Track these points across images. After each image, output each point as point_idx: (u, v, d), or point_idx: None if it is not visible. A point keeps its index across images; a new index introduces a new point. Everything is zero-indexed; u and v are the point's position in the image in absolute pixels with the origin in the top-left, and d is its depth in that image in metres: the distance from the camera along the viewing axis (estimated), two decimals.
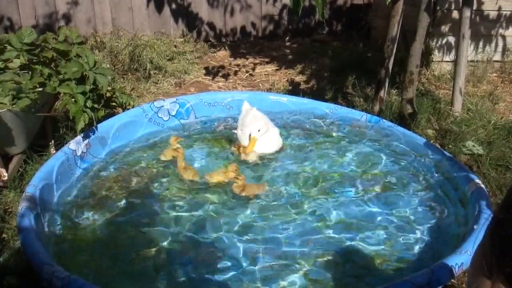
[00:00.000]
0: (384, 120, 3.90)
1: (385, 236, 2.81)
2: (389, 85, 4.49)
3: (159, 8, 6.57)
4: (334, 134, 3.89)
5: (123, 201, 3.08)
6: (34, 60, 3.42)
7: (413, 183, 3.28)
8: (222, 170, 3.34)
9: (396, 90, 4.83)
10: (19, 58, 3.39)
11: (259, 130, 3.55)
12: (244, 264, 2.59)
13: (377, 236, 2.81)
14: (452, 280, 2.64)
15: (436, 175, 3.28)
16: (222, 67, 5.95)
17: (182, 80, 5.50)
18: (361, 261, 2.63)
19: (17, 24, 6.15)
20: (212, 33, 6.84)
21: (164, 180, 3.32)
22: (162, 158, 3.54)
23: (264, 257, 2.64)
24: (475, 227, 2.52)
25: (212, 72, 5.79)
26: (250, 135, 3.57)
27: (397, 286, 2.15)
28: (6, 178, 3.31)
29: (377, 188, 3.23)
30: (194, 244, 2.75)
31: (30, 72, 3.32)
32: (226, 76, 5.69)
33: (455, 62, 4.33)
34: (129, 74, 5.39)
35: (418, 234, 2.82)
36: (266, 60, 6.18)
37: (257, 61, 6.16)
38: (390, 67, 4.32)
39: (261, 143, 3.59)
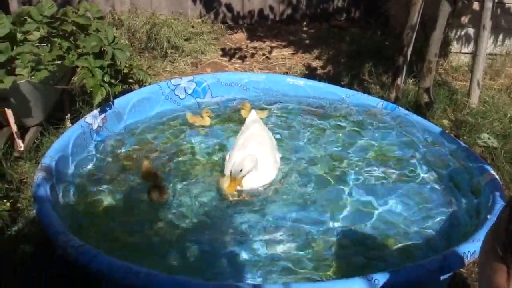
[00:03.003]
0: (400, 108, 3.87)
1: (397, 222, 2.81)
2: (407, 73, 4.47)
3: None
4: (349, 119, 3.86)
5: (137, 176, 3.10)
6: (53, 33, 3.43)
7: (427, 171, 3.26)
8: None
9: (413, 79, 4.79)
10: (38, 31, 3.41)
11: (241, 170, 2.89)
12: (257, 244, 2.60)
13: (389, 222, 2.81)
14: (462, 270, 2.65)
15: (451, 164, 3.26)
16: (239, 49, 5.93)
17: (199, 60, 5.49)
18: (373, 244, 2.64)
19: None
20: (229, 15, 6.80)
21: (179, 156, 3.33)
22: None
23: (276, 236, 2.66)
24: (488, 216, 2.51)
25: (228, 53, 5.77)
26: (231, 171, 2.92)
27: (410, 270, 2.16)
28: (22, 148, 3.34)
29: (391, 175, 3.22)
30: (208, 222, 2.76)
31: (49, 45, 3.34)
32: (242, 58, 5.68)
33: (474, 54, 4.29)
34: (146, 52, 5.39)
35: (430, 222, 2.82)
36: (283, 44, 6.15)
37: (274, 44, 6.13)
38: (409, 55, 4.29)
39: (249, 178, 2.99)
